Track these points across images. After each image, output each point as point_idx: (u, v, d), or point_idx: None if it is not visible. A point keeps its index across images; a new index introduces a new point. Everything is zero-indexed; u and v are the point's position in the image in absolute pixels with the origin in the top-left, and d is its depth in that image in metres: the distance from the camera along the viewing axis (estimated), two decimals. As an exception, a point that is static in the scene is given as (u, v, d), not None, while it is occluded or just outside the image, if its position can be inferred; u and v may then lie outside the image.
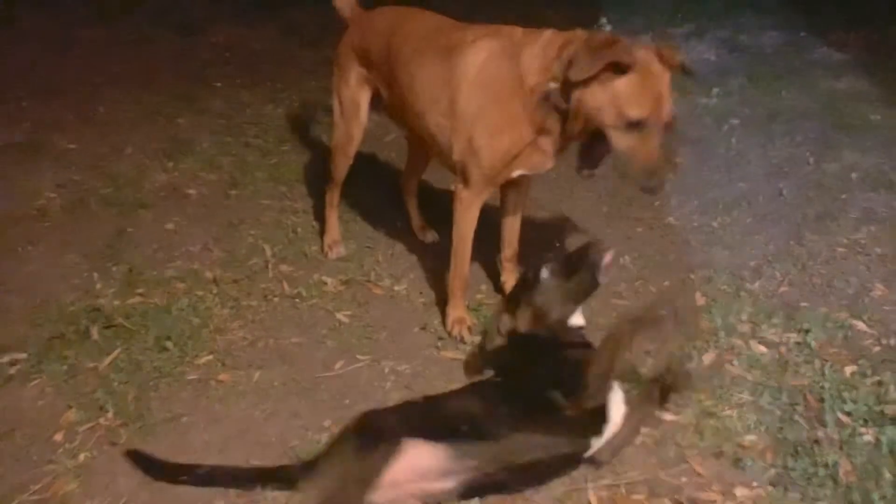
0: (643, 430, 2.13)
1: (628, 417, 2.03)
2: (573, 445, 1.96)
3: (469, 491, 1.89)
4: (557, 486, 1.97)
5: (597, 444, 1.98)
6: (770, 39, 5.50)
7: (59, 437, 2.16)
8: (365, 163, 3.72)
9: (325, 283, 2.82)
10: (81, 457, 2.09)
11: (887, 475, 1.96)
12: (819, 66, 4.95)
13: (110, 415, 2.23)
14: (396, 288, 2.81)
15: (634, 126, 2.09)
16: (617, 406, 2.01)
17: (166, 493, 1.99)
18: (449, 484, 1.86)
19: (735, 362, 2.38)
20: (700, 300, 2.67)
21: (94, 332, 2.54)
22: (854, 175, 3.51)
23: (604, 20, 5.85)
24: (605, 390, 1.92)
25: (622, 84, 2.06)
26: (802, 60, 5.09)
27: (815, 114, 4.21)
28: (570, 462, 1.99)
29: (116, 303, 2.70)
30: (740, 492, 1.95)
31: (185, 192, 3.51)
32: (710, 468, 2.03)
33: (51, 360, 2.43)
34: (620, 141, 2.12)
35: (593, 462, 2.01)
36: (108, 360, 2.43)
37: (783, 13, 6.01)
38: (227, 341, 2.54)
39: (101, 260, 2.96)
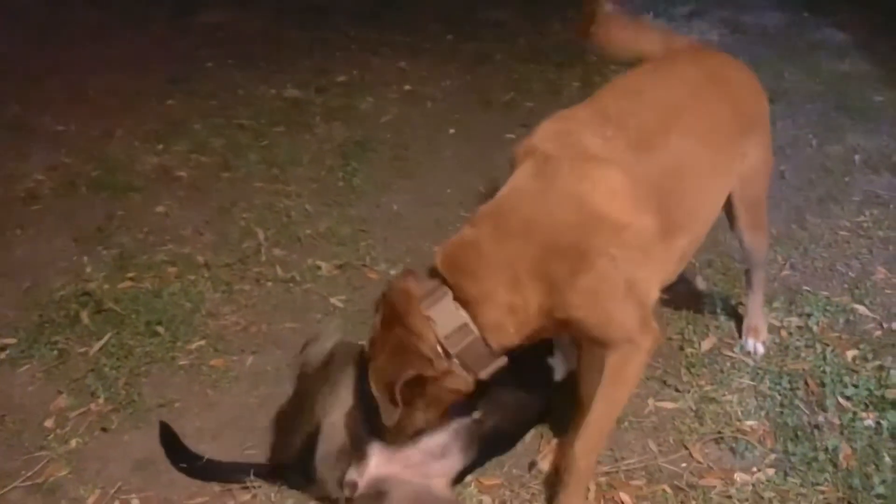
0: (646, 413, 2.12)
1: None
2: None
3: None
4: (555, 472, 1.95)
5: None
6: (772, 20, 5.42)
7: (49, 422, 2.14)
8: (360, 144, 3.68)
9: (320, 268, 2.78)
10: (73, 442, 2.08)
11: (887, 459, 1.94)
12: (822, 47, 4.89)
13: (101, 400, 2.21)
14: (392, 272, 2.77)
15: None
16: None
17: (159, 478, 1.98)
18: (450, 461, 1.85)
19: (735, 347, 2.35)
20: (701, 284, 2.64)
21: (85, 317, 2.51)
22: (857, 157, 3.47)
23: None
24: None
25: None
26: (805, 41, 5.02)
27: (818, 95, 4.15)
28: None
29: (107, 287, 2.66)
30: (740, 477, 1.93)
31: (177, 174, 3.45)
32: (709, 454, 2.01)
33: (41, 345, 2.40)
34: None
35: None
36: (98, 345, 2.40)
37: (785, -8, 5.93)
38: (220, 326, 2.51)
39: (92, 244, 2.92)
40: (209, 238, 2.97)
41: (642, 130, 1.72)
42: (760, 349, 2.34)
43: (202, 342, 2.43)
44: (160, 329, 2.45)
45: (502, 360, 1.68)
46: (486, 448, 1.93)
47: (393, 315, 1.64)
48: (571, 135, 1.71)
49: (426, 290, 1.64)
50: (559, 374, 2.08)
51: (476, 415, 1.88)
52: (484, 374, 1.68)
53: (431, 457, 1.84)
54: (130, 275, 2.73)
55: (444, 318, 1.61)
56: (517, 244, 1.59)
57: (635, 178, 1.65)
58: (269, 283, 2.71)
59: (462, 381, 1.67)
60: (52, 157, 3.56)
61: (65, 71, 4.57)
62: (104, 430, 2.12)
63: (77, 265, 2.78)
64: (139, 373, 2.31)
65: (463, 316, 1.61)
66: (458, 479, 1.90)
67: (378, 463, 1.79)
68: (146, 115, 4.01)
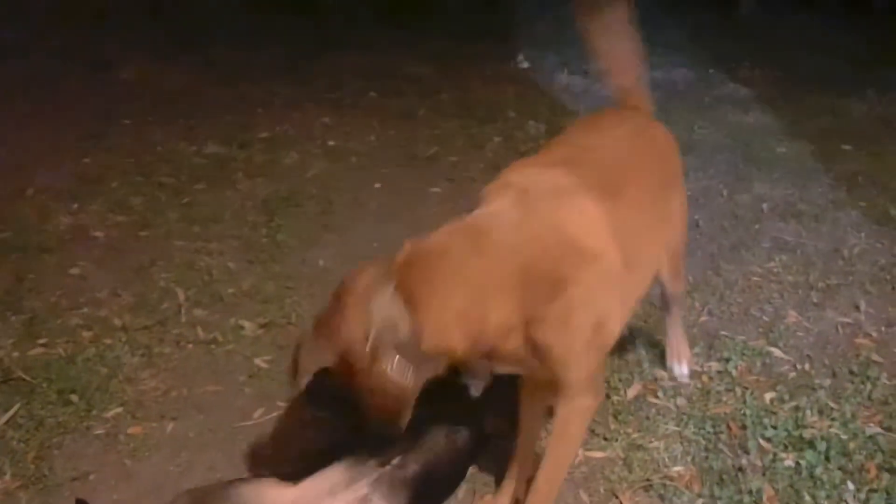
0: (576, 464, 2.12)
1: None
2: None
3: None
4: (488, 530, 1.93)
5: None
6: (681, 76, 5.71)
7: (-51, 503, 2.00)
8: (284, 200, 3.65)
9: (243, 328, 2.71)
10: (-25, 524, 1.95)
11: (808, 499, 1.99)
12: (727, 102, 5.16)
13: (8, 477, 2.08)
14: (318, 329, 2.73)
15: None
16: None
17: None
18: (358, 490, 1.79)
19: (659, 393, 2.40)
20: (624, 331, 2.69)
21: (-10, 387, 2.38)
22: (765, 206, 3.64)
23: (521, 57, 5.98)
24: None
25: None
26: (712, 96, 5.30)
27: (726, 147, 4.36)
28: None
29: (16, 354, 2.53)
30: (670, 525, 1.95)
31: (92, 234, 3.34)
32: (639, 502, 2.02)
33: (-60, 420, 2.25)
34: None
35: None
36: (5, 417, 2.27)
37: (691, 50, 6.26)
38: (138, 392, 2.41)
39: (0, 309, 2.78)
40: (127, 300, 2.87)
41: (603, 178, 1.76)
42: (686, 370, 2.45)
43: (119, 409, 2.32)
44: (74, 397, 2.34)
45: (437, 368, 1.63)
46: (419, 497, 1.86)
47: (334, 299, 1.61)
48: (544, 173, 1.75)
49: (373, 278, 1.60)
50: (476, 390, 2.07)
51: (395, 461, 1.84)
52: (414, 379, 1.61)
53: None
54: (42, 341, 2.60)
55: (380, 308, 1.55)
56: (490, 260, 1.57)
57: (607, 215, 1.69)
58: (190, 345, 2.63)
59: (389, 381, 1.59)
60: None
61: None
62: (11, 507, 1.99)
63: (-17, 332, 2.65)
64: (50, 445, 2.18)
65: (401, 309, 1.54)
66: None
67: None
68: (60, 173, 3.89)
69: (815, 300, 2.89)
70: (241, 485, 1.83)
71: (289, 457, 2.16)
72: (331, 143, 4.40)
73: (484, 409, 2.11)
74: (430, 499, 1.94)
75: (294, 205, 3.62)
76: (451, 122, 4.70)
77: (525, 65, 5.91)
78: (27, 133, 4.37)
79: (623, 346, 2.61)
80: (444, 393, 1.96)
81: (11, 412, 2.28)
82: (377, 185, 3.89)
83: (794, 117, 4.78)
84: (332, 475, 1.82)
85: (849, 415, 2.27)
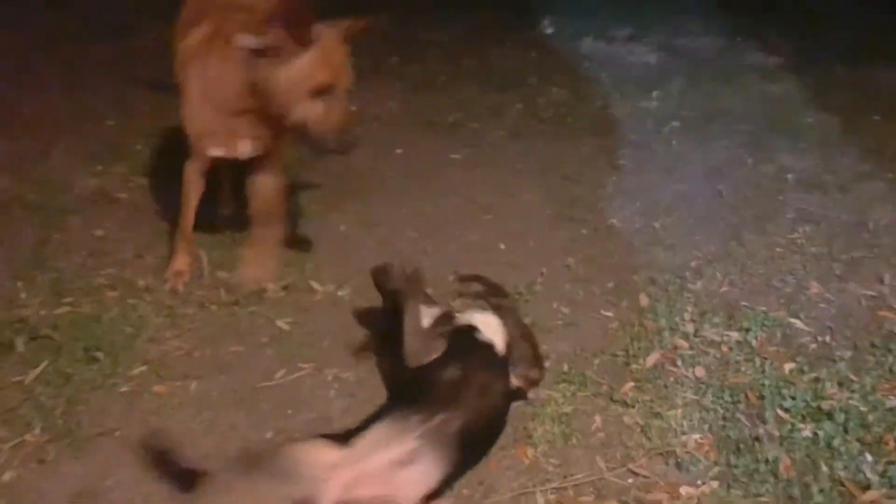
0: (593, 430, 2.15)
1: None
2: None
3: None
4: (505, 491, 1.96)
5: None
6: (707, 43, 5.61)
7: (-18, 456, 2.06)
8: (305, 164, 3.65)
9: (265, 290, 2.74)
10: (7, 476, 1.99)
11: (824, 469, 2.00)
12: (754, 70, 5.07)
13: (37, 431, 2.12)
14: (340, 293, 2.75)
15: (322, 93, 2.31)
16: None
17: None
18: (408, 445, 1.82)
19: (679, 362, 2.40)
20: (644, 301, 2.69)
21: (19, 345, 2.42)
22: (789, 176, 3.60)
23: (546, 22, 5.91)
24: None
25: (306, 58, 2.26)
26: (738, 64, 5.20)
27: (751, 116, 4.30)
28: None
29: (43, 313, 2.57)
30: (685, 491, 1.96)
31: (116, 196, 3.37)
32: (656, 468, 2.04)
33: (-29, 376, 2.31)
34: (313, 110, 2.31)
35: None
36: (34, 373, 2.31)
37: (719, 18, 6.14)
38: (162, 351, 2.45)
39: (26, 269, 2.82)
40: (150, 261, 2.90)
41: None
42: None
43: (144, 368, 2.36)
44: (99, 355, 2.38)
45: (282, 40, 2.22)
46: (464, 451, 1.90)
47: None
48: None
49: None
50: (499, 344, 2.13)
51: (438, 417, 1.87)
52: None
53: (399, 465, 1.80)
54: (68, 300, 2.64)
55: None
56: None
57: None
58: (213, 307, 2.66)
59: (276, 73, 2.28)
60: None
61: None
62: (41, 461, 2.03)
63: (11, 291, 2.68)
64: (78, 401, 2.23)
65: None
66: (437, 492, 1.87)
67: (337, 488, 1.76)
68: (83, 136, 3.91)
69: (838, 272, 2.87)
70: (291, 447, 1.86)
71: (310, 417, 2.20)
72: (351, 108, 4.38)
73: (512, 364, 2.13)
74: (475, 452, 1.98)
75: (314, 169, 3.63)
76: (471, 89, 4.66)
77: (550, 30, 5.84)
78: (50, 96, 4.39)
79: (642, 315, 2.62)
80: (472, 354, 2.06)
81: (40, 368, 2.33)
82: (398, 151, 3.89)
83: (822, 87, 4.69)
84: (378, 433, 1.85)
85: (869, 387, 2.27)
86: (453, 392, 1.94)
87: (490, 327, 2.15)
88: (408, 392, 2.02)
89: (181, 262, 2.78)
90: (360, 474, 1.77)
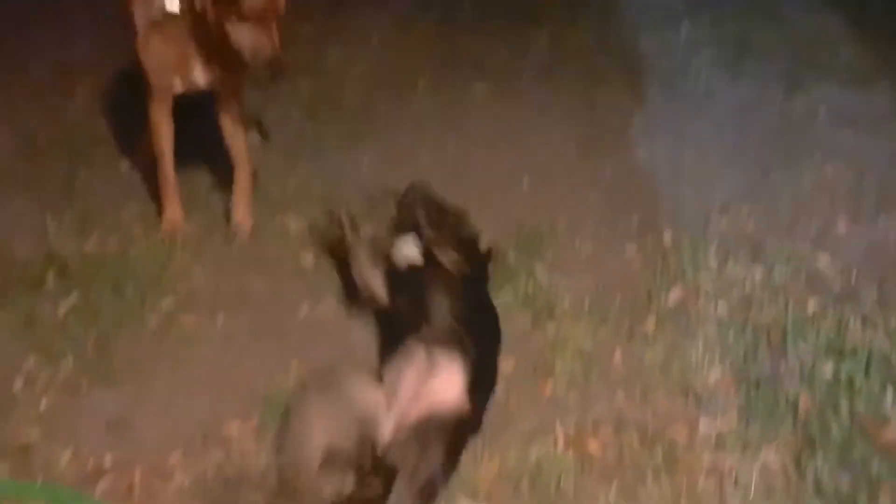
0: (614, 365, 2.17)
1: None
2: None
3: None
4: (524, 424, 1.99)
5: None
6: (740, -27, 5.40)
7: (18, 385, 2.13)
8: (327, 100, 3.63)
9: (289, 226, 2.76)
10: (43, 404, 2.06)
11: (844, 406, 2.00)
12: (789, 3, 4.89)
13: (70, 363, 2.19)
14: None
15: (253, 17, 2.31)
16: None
17: (133, 437, 1.98)
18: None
19: (701, 300, 2.39)
20: (667, 238, 2.67)
21: (50, 279, 2.48)
22: (821, 113, 3.50)
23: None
24: None
25: None
26: (771, -4, 5.02)
27: (784, 51, 4.16)
28: None
29: (72, 247, 2.62)
30: (704, 427, 1.98)
31: (139, 134, 3.36)
32: (675, 404, 2.05)
33: (5, 309, 2.37)
34: (244, 36, 2.33)
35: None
36: (65, 306, 2.37)
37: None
38: (189, 286, 2.49)
39: (54, 205, 2.86)
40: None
41: None
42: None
43: (171, 302, 2.42)
44: (128, 290, 2.43)
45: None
46: (473, 337, 1.95)
47: None
48: None
49: None
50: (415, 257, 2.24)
51: (424, 327, 1.97)
52: None
53: (425, 378, 1.85)
54: (95, 235, 2.69)
55: None
56: None
57: None
58: (238, 242, 2.69)
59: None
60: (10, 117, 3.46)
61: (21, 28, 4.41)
62: (74, 391, 2.11)
63: (40, 227, 2.73)
64: (108, 334, 2.29)
65: None
66: (476, 382, 1.90)
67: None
68: (107, 76, 3.88)
69: (867, 211, 2.81)
70: (357, 378, 1.92)
71: (335, 352, 2.24)
72: (373, 42, 4.32)
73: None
74: (481, 332, 2.04)
75: (337, 106, 3.60)
76: (496, 22, 4.55)
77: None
78: (75, 39, 4.35)
79: (665, 252, 2.60)
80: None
81: (70, 303, 2.38)
82: (421, 86, 3.83)
83: (860, 23, 4.51)
84: (392, 366, 1.92)
85: (893, 325, 2.25)
86: (417, 303, 2.04)
87: (408, 245, 2.25)
88: (393, 324, 2.12)
89: (171, 211, 2.73)
90: (403, 405, 1.82)
